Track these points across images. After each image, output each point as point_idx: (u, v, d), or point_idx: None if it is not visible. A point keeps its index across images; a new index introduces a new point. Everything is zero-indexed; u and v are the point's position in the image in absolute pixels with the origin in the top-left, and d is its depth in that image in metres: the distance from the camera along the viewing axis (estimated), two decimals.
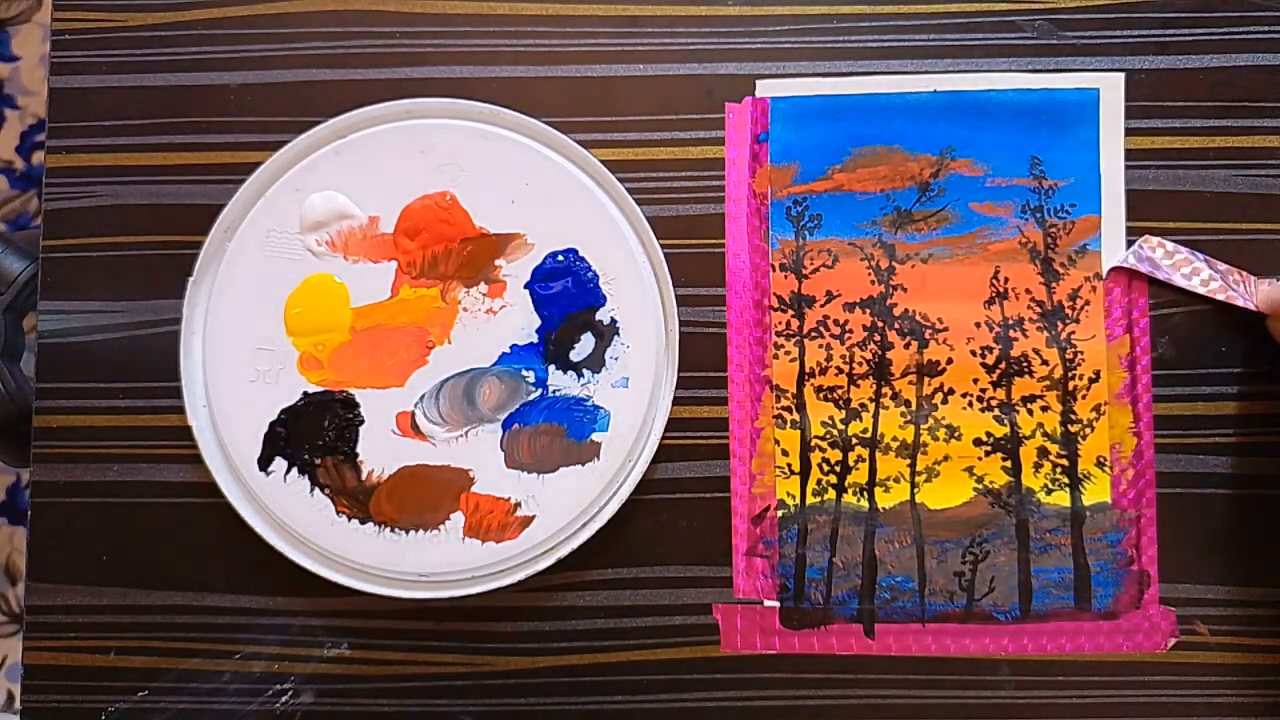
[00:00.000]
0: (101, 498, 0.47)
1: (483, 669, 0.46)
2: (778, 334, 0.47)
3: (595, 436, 0.44)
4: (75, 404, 0.47)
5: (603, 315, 0.45)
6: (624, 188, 0.45)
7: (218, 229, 0.45)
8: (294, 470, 0.44)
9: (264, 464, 0.44)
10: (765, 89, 0.47)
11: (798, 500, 0.46)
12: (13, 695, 1.03)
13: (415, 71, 0.47)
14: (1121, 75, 0.47)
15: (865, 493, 0.46)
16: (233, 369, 0.45)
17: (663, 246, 0.46)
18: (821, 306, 0.47)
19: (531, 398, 0.45)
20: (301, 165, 0.45)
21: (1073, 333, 0.46)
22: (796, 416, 0.46)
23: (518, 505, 0.44)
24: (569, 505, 0.44)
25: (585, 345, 0.45)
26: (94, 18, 0.48)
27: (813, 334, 0.47)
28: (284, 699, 0.46)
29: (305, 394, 0.45)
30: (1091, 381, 0.46)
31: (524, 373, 0.45)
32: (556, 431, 0.44)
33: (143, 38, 0.48)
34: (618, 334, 0.45)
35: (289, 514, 0.44)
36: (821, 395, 0.46)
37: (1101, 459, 0.46)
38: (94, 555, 0.46)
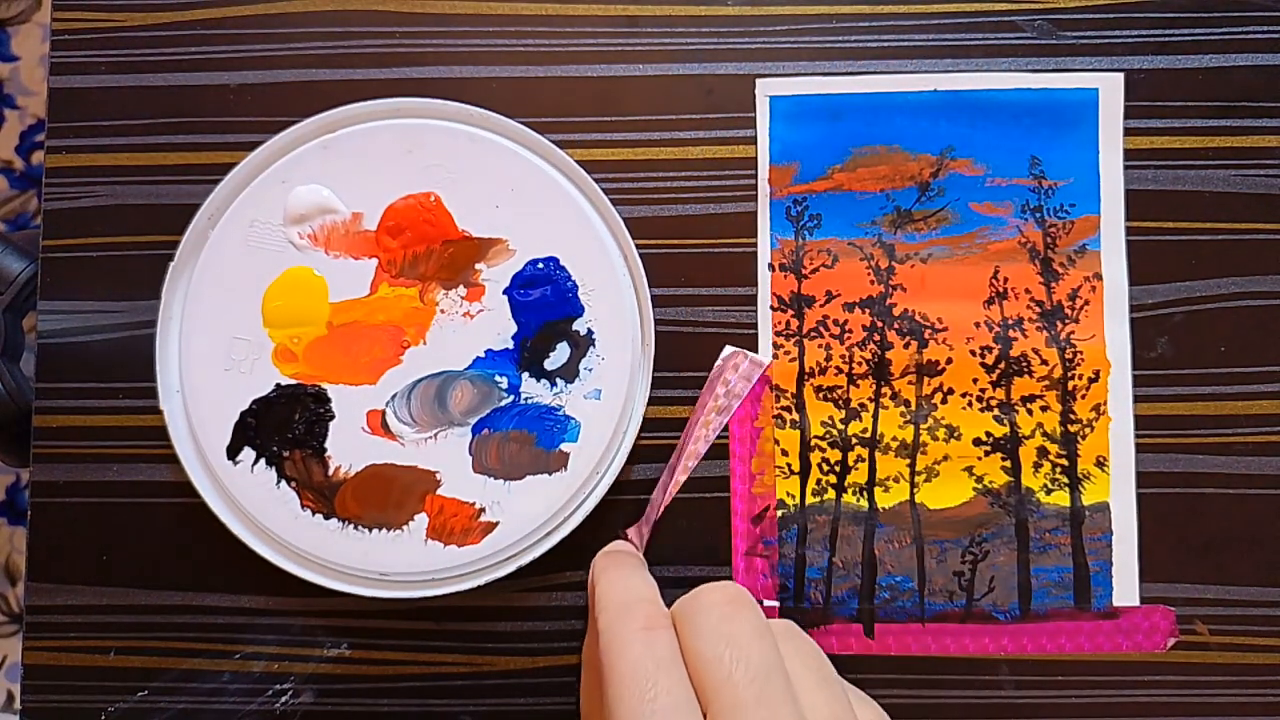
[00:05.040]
0: (101, 498, 0.47)
1: (483, 669, 0.46)
2: (777, 334, 0.47)
3: (564, 446, 0.44)
4: (75, 404, 0.47)
5: (580, 326, 0.45)
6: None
7: (200, 217, 0.45)
8: (262, 461, 0.44)
9: (232, 453, 0.44)
10: (765, 89, 0.47)
11: (797, 500, 0.46)
12: (13, 695, 1.03)
13: (415, 71, 0.47)
14: (1121, 75, 0.47)
15: (865, 493, 0.46)
16: (208, 356, 0.45)
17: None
18: (821, 306, 0.47)
19: (503, 404, 0.44)
20: (288, 158, 0.45)
21: (1072, 333, 0.46)
22: (796, 416, 0.46)
23: (482, 510, 0.44)
24: (533, 514, 0.44)
25: (560, 354, 0.45)
26: (94, 18, 0.48)
27: (812, 334, 0.47)
28: (284, 699, 0.46)
29: (278, 385, 0.45)
30: (1091, 381, 0.46)
31: (497, 378, 0.45)
32: (526, 439, 0.44)
33: (143, 38, 0.48)
34: (594, 345, 0.45)
35: (254, 505, 0.44)
36: (821, 395, 0.46)
37: (1101, 459, 0.46)
38: (94, 555, 0.46)
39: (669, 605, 0.37)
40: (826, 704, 0.35)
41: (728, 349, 0.45)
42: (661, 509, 0.45)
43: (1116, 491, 0.46)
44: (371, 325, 0.45)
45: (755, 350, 0.46)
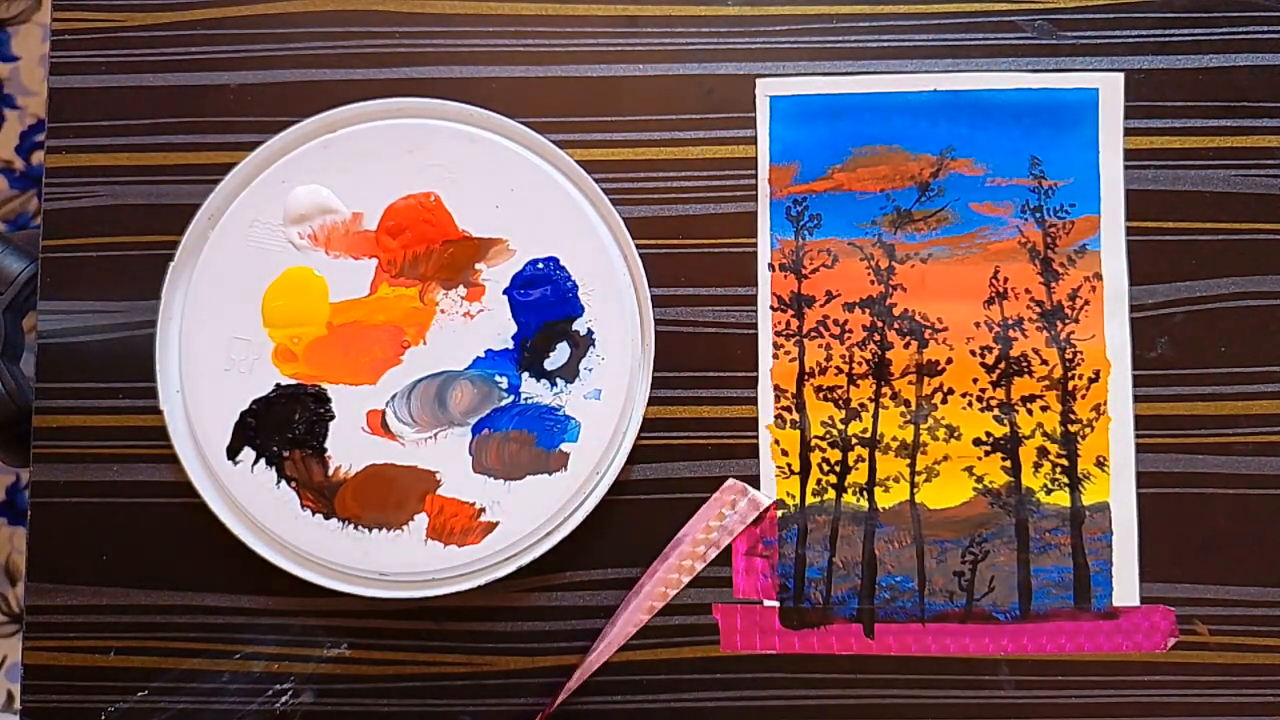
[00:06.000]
0: (101, 498, 0.47)
1: (483, 669, 0.46)
2: (777, 334, 0.47)
3: (564, 447, 0.44)
4: (75, 404, 0.47)
5: (580, 326, 0.45)
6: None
7: (201, 217, 0.45)
8: (262, 461, 0.44)
9: (232, 453, 0.44)
10: (765, 89, 0.47)
11: (797, 500, 0.46)
12: (13, 695, 1.03)
13: (415, 71, 0.47)
14: (1121, 75, 0.47)
15: (865, 492, 0.46)
16: (208, 357, 0.45)
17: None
18: (821, 306, 0.47)
19: (503, 404, 0.45)
20: (288, 158, 0.45)
21: (1072, 332, 0.46)
22: (796, 416, 0.46)
23: (482, 510, 0.44)
24: (533, 514, 0.44)
25: (560, 354, 0.45)
26: (94, 18, 0.48)
27: (812, 334, 0.47)
28: (284, 699, 0.46)
29: (278, 385, 0.45)
30: (1091, 381, 0.46)
31: (497, 378, 0.45)
32: (526, 439, 0.44)
33: (143, 38, 0.48)
34: (594, 345, 0.45)
35: (254, 505, 0.44)
36: (821, 395, 0.46)
37: (1101, 459, 0.46)
38: (94, 555, 0.46)
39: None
40: None
41: (729, 482, 0.45)
42: (582, 679, 0.44)
43: (1116, 491, 0.46)
44: (372, 325, 0.45)
45: (756, 355, 0.46)
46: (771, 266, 0.47)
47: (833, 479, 0.46)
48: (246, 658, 0.46)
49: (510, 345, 0.45)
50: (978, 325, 0.46)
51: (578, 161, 0.45)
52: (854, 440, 0.46)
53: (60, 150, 0.48)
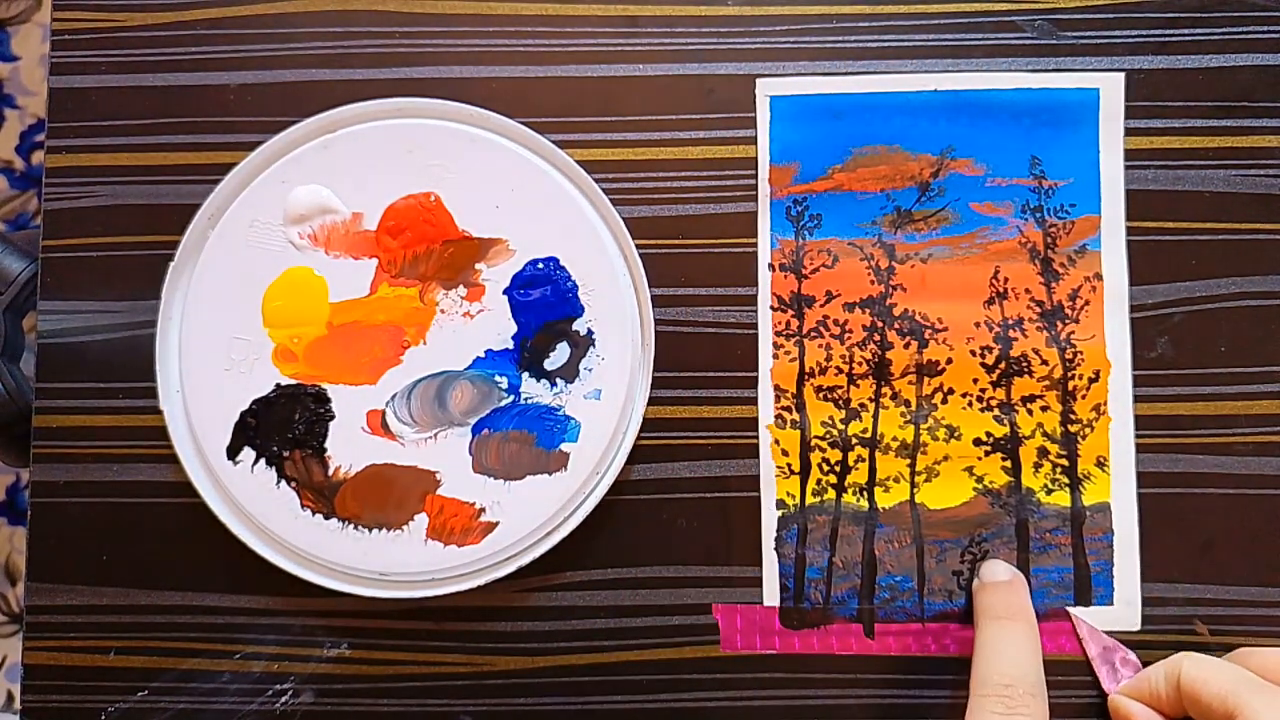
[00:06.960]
0: (101, 498, 0.47)
1: (483, 669, 0.46)
2: (777, 334, 0.47)
3: (564, 446, 0.44)
4: (75, 404, 0.47)
5: (580, 326, 0.45)
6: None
7: (200, 217, 0.45)
8: (262, 461, 0.44)
9: (232, 453, 0.44)
10: (765, 89, 0.47)
11: (797, 500, 0.46)
12: (13, 695, 1.03)
13: (415, 71, 0.47)
14: (1121, 75, 0.47)
15: (865, 493, 0.46)
16: (208, 357, 0.45)
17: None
18: (821, 306, 0.47)
19: (503, 404, 0.45)
20: (288, 158, 0.45)
21: (1072, 333, 0.46)
22: (796, 416, 0.46)
23: (482, 510, 0.44)
24: (533, 514, 0.44)
25: (560, 354, 0.45)
26: (94, 18, 0.48)
27: (812, 334, 0.47)
28: (284, 699, 0.46)
29: (278, 385, 0.45)
30: (1091, 381, 0.46)
31: (497, 378, 0.45)
32: (526, 439, 0.44)
33: (143, 38, 0.48)
34: (594, 345, 0.45)
35: (254, 505, 0.44)
36: (821, 395, 0.46)
37: (1101, 459, 0.46)
38: (94, 555, 0.46)
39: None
40: None
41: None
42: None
43: (1117, 491, 0.46)
44: (371, 325, 0.45)
45: (756, 355, 0.46)
46: (771, 266, 0.47)
47: (833, 479, 0.46)
48: (246, 658, 0.46)
49: (510, 345, 0.45)
50: (978, 325, 0.46)
51: (578, 161, 0.45)
52: (854, 440, 0.46)
53: (60, 150, 0.48)
